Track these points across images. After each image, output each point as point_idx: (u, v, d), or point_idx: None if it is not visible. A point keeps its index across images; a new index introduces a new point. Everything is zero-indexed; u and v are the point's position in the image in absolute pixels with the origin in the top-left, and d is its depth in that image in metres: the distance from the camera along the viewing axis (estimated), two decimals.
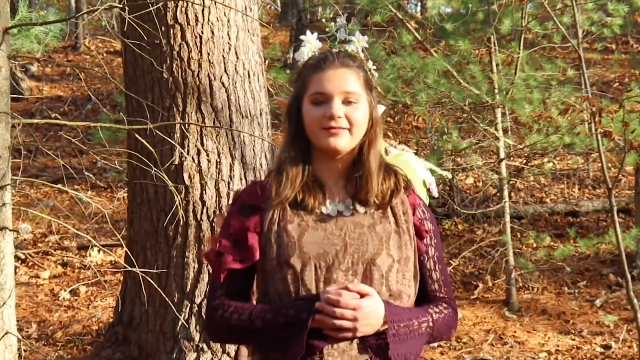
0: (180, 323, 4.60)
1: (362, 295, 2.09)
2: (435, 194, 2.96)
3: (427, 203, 2.70)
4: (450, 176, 3.04)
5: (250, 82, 4.74)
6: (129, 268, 4.19)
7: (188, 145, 4.59)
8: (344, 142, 2.16)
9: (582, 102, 6.20)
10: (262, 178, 2.33)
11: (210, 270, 2.28)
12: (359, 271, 2.13)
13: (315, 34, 2.28)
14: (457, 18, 6.44)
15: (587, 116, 6.50)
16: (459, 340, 5.85)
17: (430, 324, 2.18)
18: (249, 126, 4.71)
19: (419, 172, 2.89)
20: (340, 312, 2.06)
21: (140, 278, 4.12)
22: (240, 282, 2.21)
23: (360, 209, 2.18)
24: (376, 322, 2.09)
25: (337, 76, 2.17)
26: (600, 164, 6.48)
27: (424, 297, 2.25)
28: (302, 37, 2.27)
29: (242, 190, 2.28)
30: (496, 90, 6.42)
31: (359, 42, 2.25)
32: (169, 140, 4.45)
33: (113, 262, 6.99)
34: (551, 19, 6.42)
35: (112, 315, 5.72)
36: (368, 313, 2.07)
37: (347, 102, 2.16)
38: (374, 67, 2.27)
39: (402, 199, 2.23)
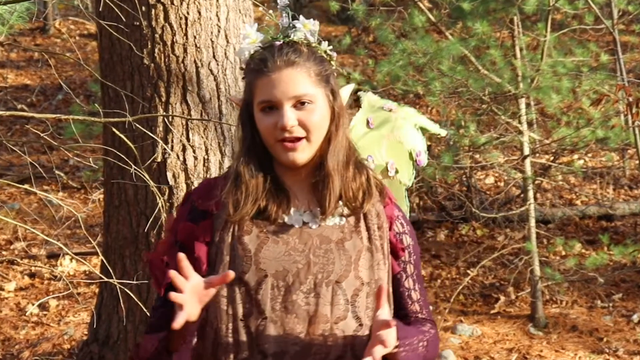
0: None
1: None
2: (425, 162, 2.87)
3: (414, 176, 2.67)
4: (444, 133, 2.94)
5: None
6: (105, 279, 4.19)
7: (172, 141, 4.59)
8: (303, 155, 2.13)
9: (618, 91, 6.22)
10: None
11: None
12: (322, 294, 2.11)
13: (255, 25, 2.25)
14: None
15: (623, 107, 6.51)
16: None
17: (425, 343, 2.18)
18: None
19: (405, 142, 2.82)
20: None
21: (118, 290, 4.12)
22: None
23: (329, 220, 2.15)
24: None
25: (283, 79, 2.13)
26: (637, 161, 6.49)
27: (403, 320, 2.22)
28: (241, 31, 2.23)
29: (194, 190, 2.25)
30: (520, 78, 6.42)
31: (305, 27, 2.21)
32: (151, 134, 4.45)
33: (87, 273, 7.00)
34: None
35: (86, 333, 5.72)
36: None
37: (299, 105, 2.13)
38: (330, 47, 2.23)
39: (378, 211, 2.20)
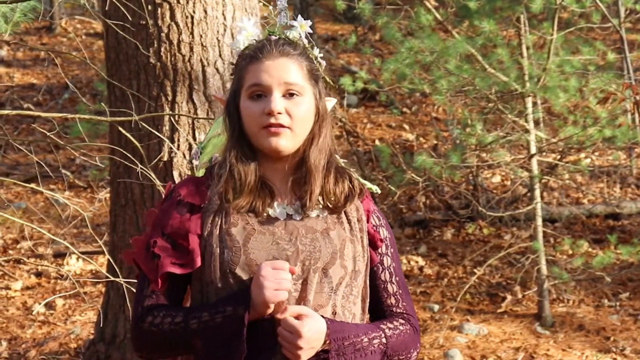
0: None
1: (297, 318, 2.08)
2: None
3: None
4: (379, 191, 3.05)
5: None
6: (112, 278, 4.20)
7: (178, 140, 4.60)
8: (285, 142, 2.15)
9: (625, 90, 6.20)
10: None
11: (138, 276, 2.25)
12: (309, 280, 2.14)
13: (253, 19, 2.29)
14: None
15: (630, 106, 6.51)
16: None
17: (384, 340, 2.18)
18: None
19: None
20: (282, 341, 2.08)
21: (125, 289, 4.13)
22: (176, 292, 2.20)
23: (312, 212, 2.18)
24: (318, 343, 2.10)
25: (276, 66, 2.17)
26: None
27: (380, 313, 2.26)
28: (238, 23, 2.27)
29: (177, 185, 2.26)
30: (526, 77, 6.42)
31: (302, 27, 2.25)
32: (157, 133, 4.46)
33: (94, 272, 7.01)
34: None
35: (92, 332, 5.73)
36: (310, 337, 2.08)
37: (288, 95, 2.16)
38: (321, 55, 2.28)
39: (357, 206, 2.24)
